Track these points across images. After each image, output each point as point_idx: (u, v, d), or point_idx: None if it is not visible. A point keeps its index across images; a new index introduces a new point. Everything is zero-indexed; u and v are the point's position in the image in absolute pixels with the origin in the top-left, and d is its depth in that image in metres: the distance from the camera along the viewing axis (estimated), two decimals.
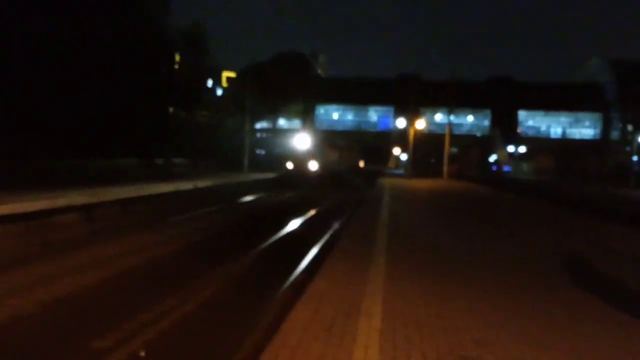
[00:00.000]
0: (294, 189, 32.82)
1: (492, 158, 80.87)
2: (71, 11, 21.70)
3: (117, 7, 25.73)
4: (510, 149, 78.75)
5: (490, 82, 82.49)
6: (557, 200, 28.34)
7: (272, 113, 75.83)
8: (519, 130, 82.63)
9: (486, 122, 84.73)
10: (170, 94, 32.61)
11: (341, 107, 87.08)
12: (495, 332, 5.82)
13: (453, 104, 52.91)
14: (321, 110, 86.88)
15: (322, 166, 41.96)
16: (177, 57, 41.40)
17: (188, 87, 38.13)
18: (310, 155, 38.83)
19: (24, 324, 7.40)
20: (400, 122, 61.41)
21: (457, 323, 6.13)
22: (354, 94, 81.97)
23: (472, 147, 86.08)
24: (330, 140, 71.18)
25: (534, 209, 24.03)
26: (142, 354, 6.61)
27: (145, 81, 26.36)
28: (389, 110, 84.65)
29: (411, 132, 51.24)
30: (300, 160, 39.13)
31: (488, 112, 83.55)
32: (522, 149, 79.15)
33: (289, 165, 38.91)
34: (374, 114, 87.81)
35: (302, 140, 39.91)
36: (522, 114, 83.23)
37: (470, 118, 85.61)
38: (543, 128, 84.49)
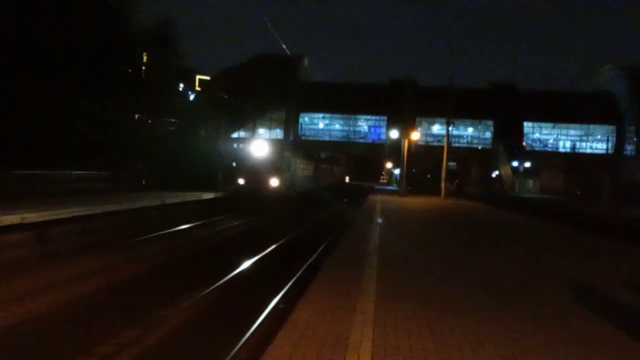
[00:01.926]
0: (245, 213, 27.30)
1: (494, 174, 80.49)
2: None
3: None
4: (515, 164, 78.26)
5: (493, 90, 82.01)
6: (576, 223, 27.96)
7: (251, 120, 75.68)
8: (524, 143, 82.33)
9: (488, 134, 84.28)
10: (136, 99, 32.36)
11: (328, 115, 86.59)
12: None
13: (452, 114, 52.60)
14: (305, 118, 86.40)
15: (289, 183, 33.36)
16: (144, 58, 41.26)
17: (156, 90, 37.88)
18: (271, 168, 31.08)
19: None
20: (394, 133, 61.25)
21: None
22: (342, 101, 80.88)
23: (473, 161, 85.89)
24: (309, 151, 62.62)
25: (552, 235, 23.06)
26: None
27: (107, 82, 26.01)
28: (381, 119, 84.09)
29: (405, 144, 50.91)
30: (255, 175, 30.63)
31: (491, 123, 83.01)
32: (528, 164, 78.69)
33: (240, 181, 30.98)
34: (364, 124, 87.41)
35: (259, 149, 31.96)
36: (527, 126, 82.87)
37: (470, 129, 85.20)
38: (551, 141, 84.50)
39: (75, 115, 24.68)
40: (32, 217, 15.24)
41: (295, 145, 76.02)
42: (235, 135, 68.45)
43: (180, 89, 66.18)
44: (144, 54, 40.81)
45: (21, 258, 13.97)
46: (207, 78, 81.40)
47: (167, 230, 20.53)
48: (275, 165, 30.81)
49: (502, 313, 8.30)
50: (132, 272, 13.23)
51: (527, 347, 6.66)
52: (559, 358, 6.32)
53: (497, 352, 6.38)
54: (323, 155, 72.00)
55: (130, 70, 36.17)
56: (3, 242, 14.14)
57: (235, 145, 39.02)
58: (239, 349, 7.78)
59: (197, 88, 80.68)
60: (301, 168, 37.54)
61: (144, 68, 40.55)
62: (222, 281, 12.27)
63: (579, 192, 69.59)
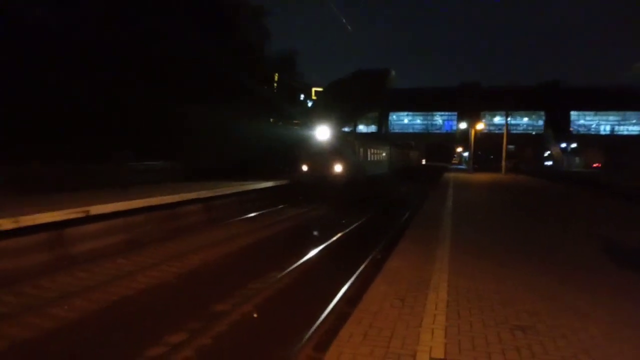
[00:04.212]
0: (308, 201, 20.69)
1: (546, 154, 77.61)
2: (184, 43, 21.92)
3: (226, 36, 26.36)
4: (562, 145, 75.09)
5: (542, 86, 79.05)
6: (595, 187, 29.42)
7: (352, 119, 76.19)
8: (570, 128, 78.52)
9: (541, 122, 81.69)
10: (270, 109, 33.25)
11: (411, 113, 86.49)
12: (547, 305, 5.72)
13: (509, 107, 50.74)
14: (393, 116, 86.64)
15: (355, 167, 23.69)
16: (275, 77, 42.51)
17: (284, 102, 39.03)
18: (334, 153, 22.81)
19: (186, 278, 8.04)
20: (462, 125, 59.82)
21: (514, 297, 6.06)
22: (421, 101, 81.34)
23: (528, 144, 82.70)
24: (388, 140, 51.66)
25: (576, 196, 23.23)
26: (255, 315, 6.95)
27: (251, 99, 26.88)
28: (452, 114, 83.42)
29: (472, 133, 50.04)
30: (318, 161, 22.83)
31: (542, 113, 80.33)
32: (573, 145, 75.26)
33: (304, 168, 23.28)
34: (439, 118, 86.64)
35: (321, 135, 23.82)
36: (573, 114, 79.30)
37: (526, 119, 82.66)
38: (593, 126, 79.83)
39: (216, 125, 23.18)
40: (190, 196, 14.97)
41: (370, 134, 75.36)
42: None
43: (301, 99, 67.48)
44: (275, 74, 42.09)
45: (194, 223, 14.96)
46: (321, 89, 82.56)
47: (266, 210, 18.15)
48: (338, 150, 22.90)
49: (546, 262, 8.10)
50: (266, 234, 13.69)
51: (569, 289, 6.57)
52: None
53: (544, 293, 6.32)
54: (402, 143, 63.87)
55: (266, 87, 37.32)
56: (187, 211, 15.27)
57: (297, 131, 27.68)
58: (350, 285, 8.16)
59: (314, 97, 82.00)
60: (372, 153, 28.77)
61: (275, 85, 41.78)
62: (329, 241, 12.22)
63: (610, 167, 65.49)
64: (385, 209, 20.22)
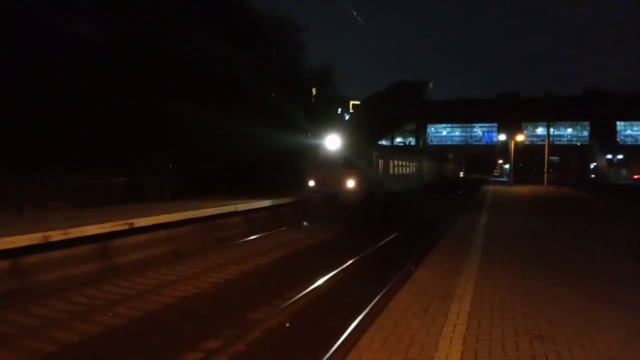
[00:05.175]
0: (310, 224, 18.18)
1: (592, 165, 75.31)
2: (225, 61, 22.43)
3: (266, 55, 26.95)
4: (608, 156, 72.71)
5: (586, 95, 76.68)
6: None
7: (389, 132, 76.28)
8: (617, 139, 75.84)
9: (585, 133, 79.03)
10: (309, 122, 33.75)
11: (449, 125, 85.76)
12: (569, 317, 5.82)
13: (551, 118, 49.53)
14: (432, 128, 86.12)
15: (372, 182, 20.14)
16: (314, 91, 43.28)
17: (322, 115, 39.60)
18: (346, 166, 19.37)
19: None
20: (502, 136, 59.00)
21: (536, 308, 6.17)
22: (460, 113, 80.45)
23: (573, 155, 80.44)
24: (417, 151, 47.81)
25: (613, 207, 23.28)
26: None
27: (290, 113, 27.26)
28: (492, 126, 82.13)
29: (512, 145, 49.24)
30: (329, 176, 19.47)
31: (587, 123, 77.78)
32: (620, 157, 72.77)
33: (310, 183, 19.94)
34: (479, 130, 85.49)
35: (331, 144, 20.07)
36: (619, 124, 76.47)
37: (569, 129, 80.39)
38: None
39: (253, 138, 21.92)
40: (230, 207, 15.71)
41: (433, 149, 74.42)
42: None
43: (339, 112, 68.16)
44: (313, 89, 42.85)
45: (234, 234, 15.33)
46: (358, 102, 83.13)
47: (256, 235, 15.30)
48: (351, 162, 19.34)
49: (573, 273, 8.11)
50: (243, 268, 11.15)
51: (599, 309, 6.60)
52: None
53: (568, 305, 6.39)
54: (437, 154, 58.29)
55: (304, 103, 38.01)
56: (228, 223, 15.74)
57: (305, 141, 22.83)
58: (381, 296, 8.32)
59: (351, 110, 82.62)
60: (395, 165, 24.95)
61: (313, 100, 42.49)
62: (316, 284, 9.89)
63: None
64: (404, 233, 16.69)
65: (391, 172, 24.08)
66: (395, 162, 25.21)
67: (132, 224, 11.33)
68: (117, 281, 9.64)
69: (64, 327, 7.12)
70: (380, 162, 22.05)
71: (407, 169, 28.23)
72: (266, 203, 17.71)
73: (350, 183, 19.27)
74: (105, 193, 16.61)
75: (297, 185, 21.76)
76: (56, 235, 9.56)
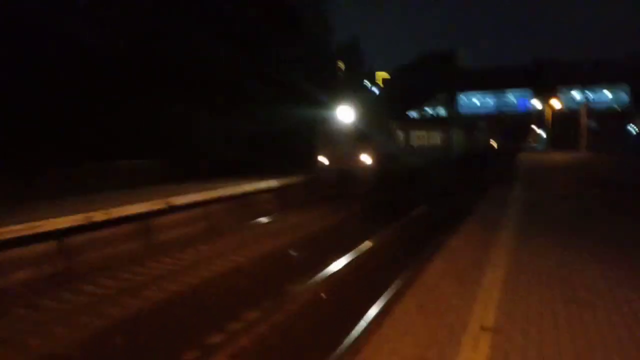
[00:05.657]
0: (319, 206, 16.12)
1: (632, 129, 72.66)
2: (256, 39, 22.46)
3: (297, 39, 26.74)
4: None
5: (626, 57, 73.92)
6: None
7: (420, 102, 75.45)
8: None
9: (625, 96, 76.17)
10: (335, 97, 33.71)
11: (481, 93, 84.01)
12: (605, 282, 5.82)
13: (589, 82, 48.02)
14: (463, 97, 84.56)
15: (391, 158, 18.68)
16: (342, 66, 43.10)
17: (349, 89, 39.53)
18: (361, 140, 17.60)
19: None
20: (537, 103, 57.53)
21: (575, 274, 6.19)
22: (493, 80, 78.73)
23: (612, 120, 77.87)
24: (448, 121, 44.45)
25: None
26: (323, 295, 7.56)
27: (316, 88, 27.19)
28: (527, 92, 79.97)
29: (548, 111, 47.99)
30: (342, 151, 17.63)
31: (627, 86, 74.90)
32: None
33: (324, 161, 18.07)
34: (512, 97, 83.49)
35: (345, 117, 17.99)
36: None
37: (608, 93, 77.57)
38: None
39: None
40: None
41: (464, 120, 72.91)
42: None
43: (368, 85, 67.79)
44: (341, 63, 42.66)
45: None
46: (387, 76, 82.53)
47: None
48: (366, 135, 17.37)
49: (615, 240, 8.03)
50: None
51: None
52: None
53: (607, 270, 6.39)
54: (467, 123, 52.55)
55: (332, 79, 37.95)
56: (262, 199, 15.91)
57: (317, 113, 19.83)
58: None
59: (381, 85, 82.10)
60: (418, 137, 23.00)
61: (341, 74, 42.35)
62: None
63: None
64: (422, 215, 14.87)
65: (414, 144, 22.54)
66: (419, 134, 23.60)
67: (169, 202, 11.73)
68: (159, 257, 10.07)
69: (114, 302, 7.52)
70: (400, 134, 20.57)
71: (432, 140, 26.57)
72: (274, 183, 16.22)
73: (366, 158, 17.49)
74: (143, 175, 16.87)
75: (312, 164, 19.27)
76: (98, 216, 10.00)
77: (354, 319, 6.28)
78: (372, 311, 6.56)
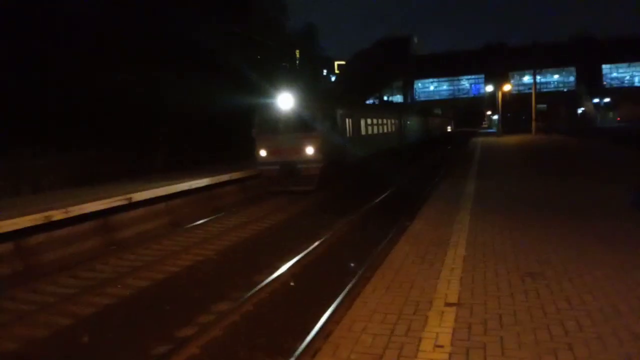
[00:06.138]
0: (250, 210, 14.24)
1: (579, 110, 75.68)
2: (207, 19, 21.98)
3: (245, 16, 26.34)
4: (595, 100, 73.13)
5: (571, 40, 76.64)
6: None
7: (377, 90, 76.03)
8: (603, 82, 76.13)
9: (572, 78, 79.10)
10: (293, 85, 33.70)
11: (436, 80, 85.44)
12: (558, 255, 6.17)
13: (537, 66, 49.61)
14: (419, 84, 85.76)
15: (338, 150, 17.22)
16: (297, 53, 42.94)
17: (307, 76, 39.51)
18: (304, 130, 15.73)
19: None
20: (489, 87, 59.19)
21: (527, 249, 6.54)
22: (447, 66, 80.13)
23: (560, 102, 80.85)
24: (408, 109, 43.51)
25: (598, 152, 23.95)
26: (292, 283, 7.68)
27: (272, 75, 26.93)
28: (479, 77, 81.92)
29: (500, 95, 49.35)
30: (283, 143, 15.98)
31: (573, 69, 77.81)
32: (607, 100, 73.21)
33: (262, 154, 16.33)
34: (466, 82, 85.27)
35: (286, 104, 15.95)
36: (605, 68, 76.62)
37: (556, 76, 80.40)
38: (627, 78, 77.19)
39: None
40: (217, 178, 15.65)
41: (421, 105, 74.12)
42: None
43: (325, 74, 67.80)
44: (297, 51, 42.49)
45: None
46: (343, 62, 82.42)
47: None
48: (310, 125, 15.70)
49: (555, 219, 8.48)
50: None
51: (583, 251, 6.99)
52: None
53: (558, 245, 6.76)
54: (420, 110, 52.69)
55: (287, 65, 37.70)
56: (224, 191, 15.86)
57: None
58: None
59: (337, 71, 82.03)
60: (369, 124, 21.72)
61: (297, 62, 42.17)
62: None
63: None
64: (367, 214, 13.08)
65: (364, 132, 21.22)
66: (369, 121, 22.21)
67: (130, 198, 11.54)
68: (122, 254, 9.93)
69: (76, 301, 7.37)
70: (348, 121, 18.96)
71: (385, 127, 25.46)
72: (205, 181, 14.48)
73: (309, 150, 15.70)
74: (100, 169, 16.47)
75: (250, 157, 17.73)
76: (57, 215, 9.75)
77: (324, 304, 6.43)
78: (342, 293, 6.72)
